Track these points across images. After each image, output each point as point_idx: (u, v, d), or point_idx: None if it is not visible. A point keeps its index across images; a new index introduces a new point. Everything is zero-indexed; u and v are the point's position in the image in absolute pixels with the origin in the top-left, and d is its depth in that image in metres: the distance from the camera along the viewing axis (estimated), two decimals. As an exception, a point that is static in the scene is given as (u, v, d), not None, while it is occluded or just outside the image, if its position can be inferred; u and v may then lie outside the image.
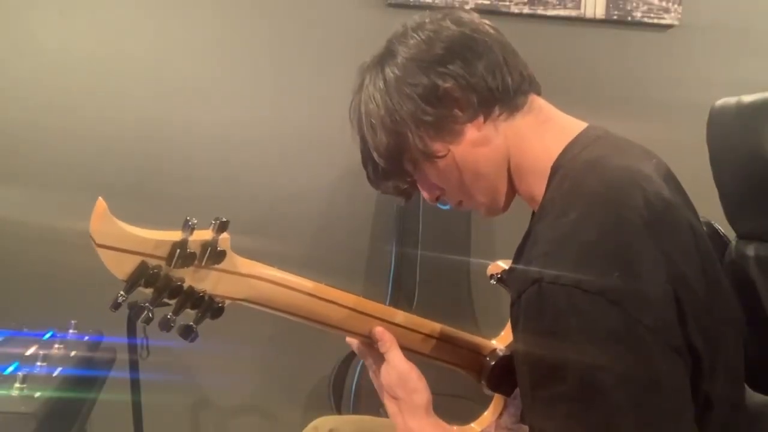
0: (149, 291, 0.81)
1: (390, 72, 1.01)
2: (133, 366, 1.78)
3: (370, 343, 1.01)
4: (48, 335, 1.59)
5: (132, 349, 1.72)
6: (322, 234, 2.30)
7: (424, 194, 1.09)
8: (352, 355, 2.14)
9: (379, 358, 1.01)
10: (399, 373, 0.98)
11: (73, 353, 1.52)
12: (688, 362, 0.85)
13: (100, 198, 0.77)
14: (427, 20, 1.03)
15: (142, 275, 0.79)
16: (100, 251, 0.77)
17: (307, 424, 1.29)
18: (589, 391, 0.81)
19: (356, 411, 2.06)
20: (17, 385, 1.28)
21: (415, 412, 0.98)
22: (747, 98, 1.13)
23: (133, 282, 0.79)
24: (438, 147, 1.00)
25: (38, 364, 1.40)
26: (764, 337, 1.06)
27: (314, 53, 2.27)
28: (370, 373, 1.05)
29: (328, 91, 2.22)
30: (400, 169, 1.05)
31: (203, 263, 0.82)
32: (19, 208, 2.05)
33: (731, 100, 1.16)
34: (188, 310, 0.84)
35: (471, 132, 1.00)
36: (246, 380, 2.27)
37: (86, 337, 1.62)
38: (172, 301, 0.83)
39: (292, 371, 2.26)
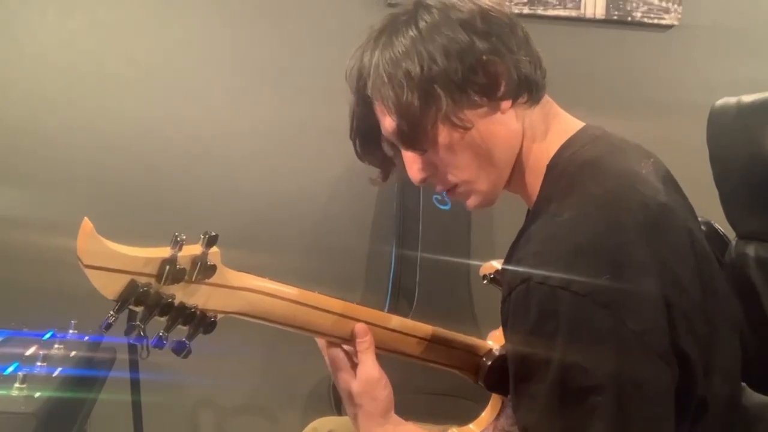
0: (140, 309, 0.80)
1: (423, 22, 0.94)
2: (133, 366, 1.78)
3: (340, 344, 0.98)
4: (48, 335, 1.59)
5: (132, 349, 1.72)
6: (322, 235, 2.30)
7: (413, 172, 1.00)
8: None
9: (348, 362, 0.98)
10: (367, 378, 0.95)
11: (73, 353, 1.52)
12: (675, 369, 0.84)
13: (86, 218, 0.75)
14: None
15: (132, 294, 0.78)
16: (89, 272, 0.76)
17: (307, 425, 1.29)
18: (569, 392, 0.81)
19: (356, 411, 2.06)
20: (17, 385, 1.29)
21: (376, 420, 0.96)
22: (747, 98, 1.13)
23: (123, 302, 0.78)
24: (467, 115, 0.94)
25: (38, 364, 1.40)
26: (764, 337, 1.06)
27: (314, 53, 2.27)
28: (333, 376, 1.01)
29: (328, 91, 2.22)
30: (413, 136, 0.95)
31: (194, 278, 0.81)
32: (19, 208, 2.05)
33: (731, 100, 1.16)
34: (181, 326, 0.83)
35: (498, 112, 0.96)
36: (246, 380, 2.27)
37: (86, 337, 1.62)
38: (164, 318, 0.82)
39: (292, 371, 2.25)
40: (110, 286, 0.77)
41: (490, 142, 0.97)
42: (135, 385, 1.82)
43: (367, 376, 0.95)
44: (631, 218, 0.84)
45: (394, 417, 0.98)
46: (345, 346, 0.98)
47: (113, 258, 0.77)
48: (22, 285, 2.03)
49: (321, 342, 1.01)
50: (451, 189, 1.01)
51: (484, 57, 0.94)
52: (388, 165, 1.07)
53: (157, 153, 2.20)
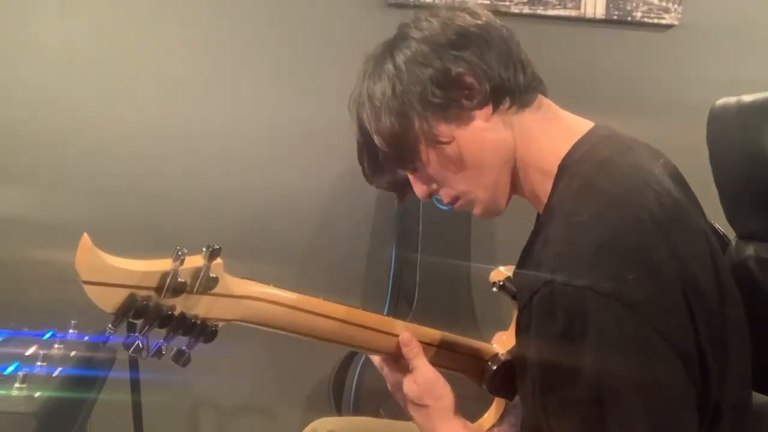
0: (139, 321, 0.79)
1: (400, 54, 0.98)
2: (133, 366, 1.78)
3: (391, 358, 1.01)
4: (48, 335, 1.59)
5: (128, 346, 1.72)
6: (322, 235, 2.30)
7: (417, 189, 1.05)
8: (351, 356, 2.14)
9: (401, 371, 1.01)
10: (426, 380, 0.97)
11: (73, 353, 1.52)
12: (696, 370, 0.84)
13: (84, 233, 0.74)
14: (442, 9, 1.02)
15: (131, 308, 0.77)
16: (87, 287, 0.75)
17: (307, 425, 1.29)
18: (602, 396, 0.80)
19: (356, 411, 2.06)
20: (17, 385, 1.29)
21: (445, 415, 0.98)
22: (747, 98, 1.13)
23: (121, 314, 0.77)
24: (443, 131, 0.97)
25: (38, 364, 1.40)
26: (764, 337, 1.06)
27: (314, 53, 2.27)
28: (390, 386, 1.04)
29: (328, 91, 2.21)
30: (400, 157, 1.01)
31: (195, 290, 0.81)
32: (19, 208, 2.05)
33: (731, 100, 1.16)
34: (181, 336, 0.83)
35: (478, 121, 0.97)
36: (246, 380, 2.27)
37: (86, 337, 1.62)
38: (164, 329, 0.81)
39: (292, 371, 2.25)
40: (109, 301, 0.77)
41: (475, 151, 0.98)
42: (135, 385, 1.81)
43: (425, 379, 0.97)
44: (649, 216, 0.84)
45: (461, 417, 1.00)
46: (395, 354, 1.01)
47: (112, 272, 0.76)
48: (22, 285, 2.03)
49: (375, 358, 1.04)
50: (454, 201, 1.04)
51: (453, 72, 0.96)
52: (399, 187, 1.09)
53: (157, 153, 2.20)
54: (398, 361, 1.01)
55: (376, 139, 1.01)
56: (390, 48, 1.01)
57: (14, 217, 2.02)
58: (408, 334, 0.98)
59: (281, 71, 2.27)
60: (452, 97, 0.96)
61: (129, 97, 2.19)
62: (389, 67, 0.99)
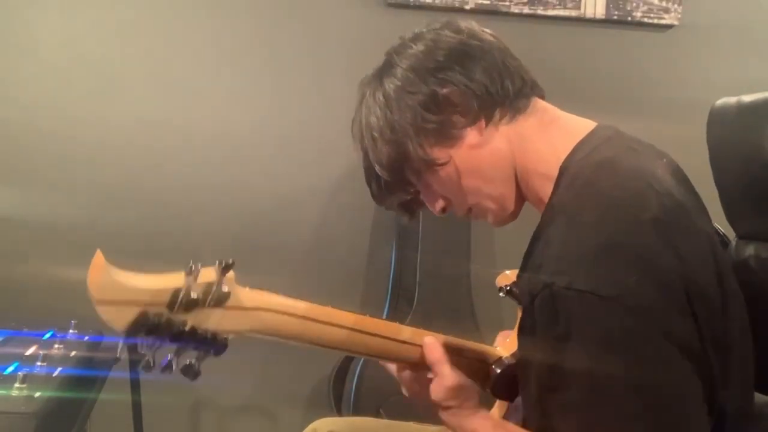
0: (150, 338, 0.79)
1: (389, 84, 1.01)
2: (133, 366, 1.78)
3: (409, 366, 1.02)
4: (48, 335, 1.59)
5: (132, 349, 1.72)
6: (322, 235, 2.30)
7: (430, 206, 1.08)
8: (351, 356, 2.14)
9: (421, 378, 1.00)
10: (453, 385, 0.96)
11: (73, 353, 1.52)
12: (703, 370, 0.83)
13: (98, 251, 0.74)
14: (424, 30, 1.03)
15: (144, 325, 0.77)
16: (99, 307, 0.75)
17: (307, 425, 1.29)
18: (602, 398, 0.80)
19: (356, 411, 2.06)
20: (17, 385, 1.28)
21: (470, 411, 0.97)
22: (747, 98, 1.13)
23: (133, 332, 0.77)
24: (439, 154, 0.99)
25: (38, 364, 1.39)
26: (764, 338, 1.06)
27: (314, 53, 2.27)
28: (409, 391, 1.04)
29: (328, 91, 2.22)
30: (404, 181, 1.04)
31: (206, 305, 0.80)
32: (19, 208, 2.05)
33: (731, 100, 1.16)
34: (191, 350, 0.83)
35: (471, 136, 0.99)
36: (246, 380, 2.27)
37: (86, 337, 1.62)
38: (174, 344, 0.81)
39: (292, 371, 2.25)
40: (120, 319, 0.76)
41: (473, 167, 1.00)
42: (135, 385, 1.81)
43: (452, 383, 0.96)
44: (650, 218, 0.84)
45: (484, 409, 1.00)
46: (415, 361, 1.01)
47: (124, 291, 0.76)
48: (22, 285, 2.03)
49: (391, 367, 1.04)
50: (467, 214, 1.07)
51: (440, 95, 0.98)
52: (409, 206, 1.12)
53: (156, 153, 2.20)
54: (417, 366, 1.01)
55: (377, 168, 1.03)
56: (380, 77, 1.03)
57: (14, 217, 2.02)
58: (432, 339, 0.98)
59: (281, 71, 2.27)
60: (443, 120, 0.98)
61: (129, 98, 2.19)
62: (380, 97, 1.01)
